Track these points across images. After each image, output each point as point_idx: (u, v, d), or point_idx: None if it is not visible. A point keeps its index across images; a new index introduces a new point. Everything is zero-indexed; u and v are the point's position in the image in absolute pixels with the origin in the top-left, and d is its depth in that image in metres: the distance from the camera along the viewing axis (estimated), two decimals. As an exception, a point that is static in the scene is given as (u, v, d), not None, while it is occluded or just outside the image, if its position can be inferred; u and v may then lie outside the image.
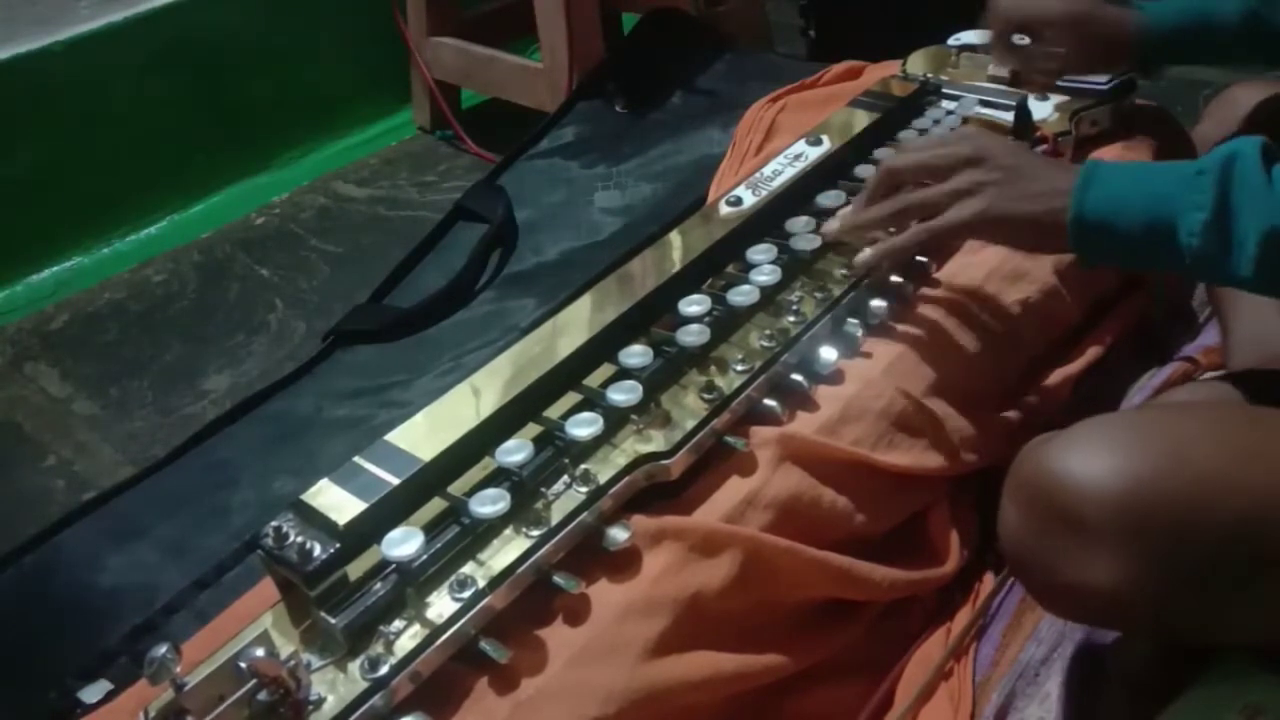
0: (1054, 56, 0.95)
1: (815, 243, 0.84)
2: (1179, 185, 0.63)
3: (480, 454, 0.68)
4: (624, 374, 0.73)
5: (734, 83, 1.45)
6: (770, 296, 0.81)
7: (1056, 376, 0.88)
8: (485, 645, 0.59)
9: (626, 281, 0.81)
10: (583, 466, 0.67)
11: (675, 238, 0.86)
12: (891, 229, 0.78)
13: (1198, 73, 1.47)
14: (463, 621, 0.60)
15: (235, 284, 1.48)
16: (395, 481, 0.64)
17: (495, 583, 0.61)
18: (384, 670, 0.57)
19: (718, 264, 0.84)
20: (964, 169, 0.72)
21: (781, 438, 0.72)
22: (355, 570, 0.61)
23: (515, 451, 0.66)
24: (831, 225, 0.84)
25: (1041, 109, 0.99)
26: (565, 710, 0.58)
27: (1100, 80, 0.98)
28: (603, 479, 0.66)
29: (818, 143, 0.95)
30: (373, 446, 0.67)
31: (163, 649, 0.53)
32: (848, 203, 0.87)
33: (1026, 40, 0.97)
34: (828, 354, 0.78)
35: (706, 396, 0.72)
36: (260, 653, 0.55)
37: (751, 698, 0.68)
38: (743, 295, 0.78)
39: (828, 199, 0.89)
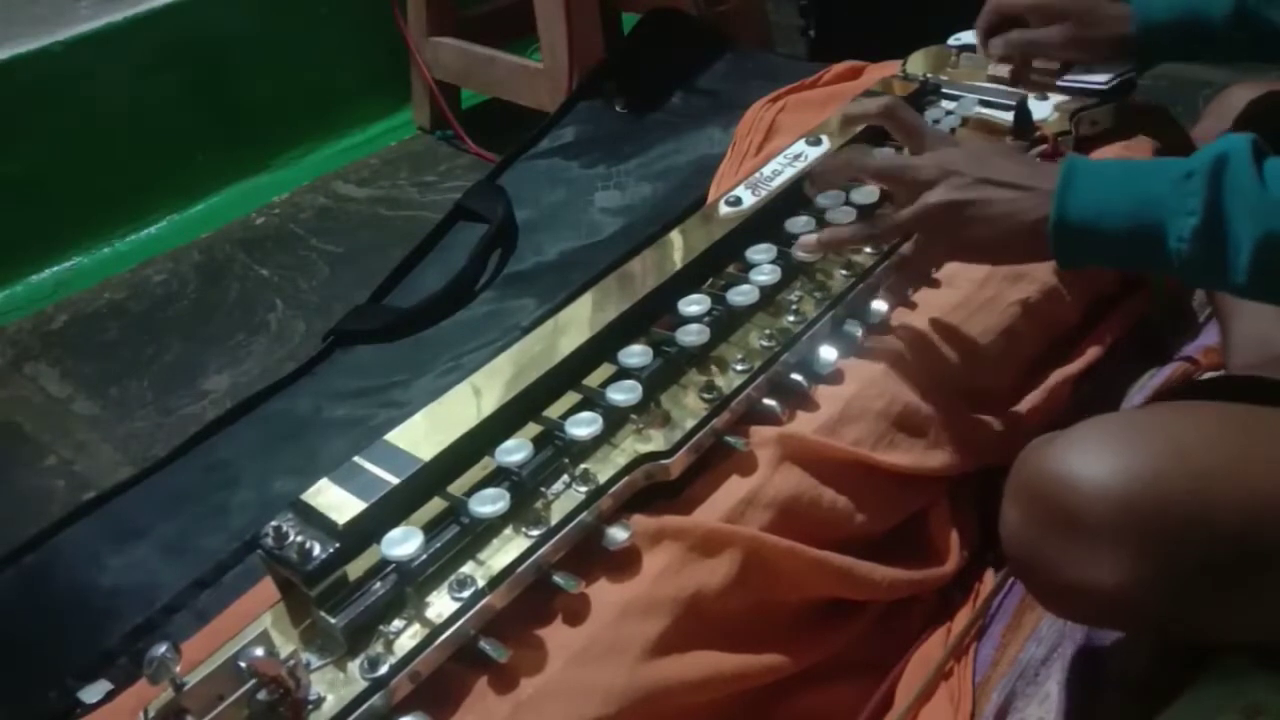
0: (1047, 48, 0.95)
1: (815, 243, 0.84)
2: (1167, 187, 0.60)
3: (480, 454, 0.68)
4: (624, 374, 0.73)
5: (734, 83, 1.45)
6: (770, 296, 0.81)
7: (1056, 376, 0.87)
8: (485, 645, 0.60)
9: (626, 281, 0.81)
10: (582, 466, 0.67)
11: (675, 238, 0.86)
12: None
13: (1198, 72, 1.47)
14: (462, 621, 0.60)
15: (235, 284, 1.48)
16: (395, 481, 0.64)
17: (495, 582, 0.61)
18: (384, 670, 0.57)
19: (718, 264, 0.84)
20: (926, 192, 0.70)
21: (781, 437, 0.72)
22: (355, 570, 0.61)
23: (515, 451, 0.66)
24: (809, 240, 0.80)
25: (1041, 109, 0.99)
26: (565, 710, 0.58)
27: (1100, 80, 0.98)
28: (602, 479, 0.66)
29: (818, 143, 0.95)
30: (372, 446, 0.67)
31: (162, 649, 0.53)
32: (847, 202, 0.87)
33: (1015, 33, 0.97)
34: (828, 354, 0.78)
35: (706, 396, 0.72)
36: (260, 652, 0.55)
37: (751, 698, 0.68)
38: (743, 295, 0.78)
39: (827, 199, 0.89)
